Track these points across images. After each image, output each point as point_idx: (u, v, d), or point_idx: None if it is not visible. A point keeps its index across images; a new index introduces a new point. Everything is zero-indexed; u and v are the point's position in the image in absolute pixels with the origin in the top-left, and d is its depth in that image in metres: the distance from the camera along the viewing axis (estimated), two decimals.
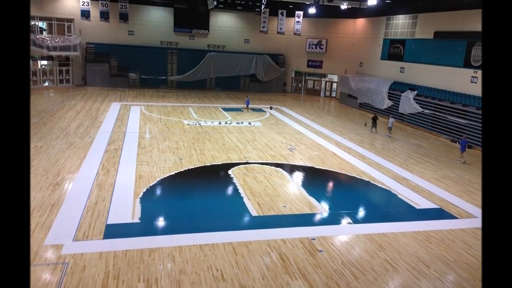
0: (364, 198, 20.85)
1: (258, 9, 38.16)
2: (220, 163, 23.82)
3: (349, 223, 16.99)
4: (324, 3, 42.76)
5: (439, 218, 18.20)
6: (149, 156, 23.86)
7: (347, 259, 13.72)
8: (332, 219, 17.41)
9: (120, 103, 40.71)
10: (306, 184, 21.42)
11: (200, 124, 33.82)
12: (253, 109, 42.52)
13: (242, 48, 57.95)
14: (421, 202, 19.66)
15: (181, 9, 53.83)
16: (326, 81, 59.48)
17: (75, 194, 17.79)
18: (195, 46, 55.98)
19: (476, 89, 34.05)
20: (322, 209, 18.26)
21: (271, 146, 28.20)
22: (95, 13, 50.57)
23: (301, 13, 55.10)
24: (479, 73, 33.96)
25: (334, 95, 58.33)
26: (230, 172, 22.24)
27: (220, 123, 34.78)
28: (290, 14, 55.44)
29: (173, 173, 21.44)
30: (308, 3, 46.42)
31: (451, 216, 18.26)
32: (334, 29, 56.82)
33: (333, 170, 24.00)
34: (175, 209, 17.42)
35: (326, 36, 57.55)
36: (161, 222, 16.04)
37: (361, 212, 18.50)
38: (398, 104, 41.39)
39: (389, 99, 43.14)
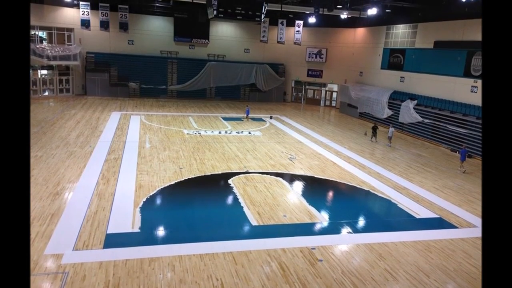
0: (364, 207, 20.91)
1: (258, 19, 38.22)
2: (220, 172, 23.89)
3: (349, 232, 17.04)
4: (324, 13, 42.91)
5: (439, 228, 18.25)
6: (149, 166, 23.93)
7: (347, 268, 13.76)
8: (332, 229, 17.47)
9: (120, 113, 40.83)
10: (306, 194, 21.46)
11: (200, 133, 33.92)
12: (253, 119, 42.64)
13: (242, 58, 58.18)
14: (421, 212, 19.71)
15: (181, 19, 54.09)
16: (326, 91, 59.58)
17: (75, 203, 17.84)
18: (195, 55, 56.21)
19: (476, 99, 34.15)
20: (322, 218, 18.31)
21: (271, 155, 28.28)
22: (95, 22, 50.79)
23: (301, 22, 55.25)
24: (479, 82, 34.06)
25: (334, 105, 58.42)
26: (230, 181, 22.29)
27: (220, 132, 34.88)
28: (290, 23, 55.57)
29: (173, 182, 21.49)
30: (308, 12, 46.62)
31: (451, 226, 18.31)
32: (334, 38, 57.01)
33: (333, 179, 24.07)
34: (175, 218, 17.48)
35: (326, 45, 57.74)
36: (161, 231, 16.09)
37: (361, 222, 18.56)
38: (398, 114, 41.50)
39: (389, 108, 43.25)
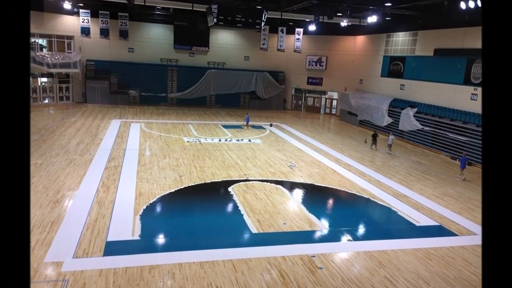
0: (364, 215, 20.94)
1: (258, 26, 38.39)
2: (220, 180, 23.95)
3: (349, 240, 17.09)
4: (324, 21, 43.09)
5: (439, 235, 18.31)
6: (149, 173, 23.99)
7: (347, 276, 13.80)
8: (332, 236, 17.52)
9: (120, 120, 40.95)
10: (306, 201, 21.50)
11: (200, 141, 34.00)
12: (253, 126, 42.74)
13: (242, 65, 58.36)
14: (421, 219, 19.75)
15: (181, 26, 54.31)
16: (326, 98, 59.73)
17: (75, 211, 17.89)
18: (195, 63, 56.39)
19: (476, 106, 34.26)
20: (322, 226, 18.36)
21: (271, 163, 28.34)
22: (95, 30, 51.01)
23: (301, 30, 55.50)
24: (479, 90, 34.15)
25: (334, 112, 58.54)
26: (230, 189, 22.35)
27: (220, 140, 34.96)
28: (290, 31, 55.81)
29: (173, 190, 21.55)
30: (308, 20, 46.79)
31: (451, 233, 18.36)
32: (334, 46, 57.19)
33: (333, 187, 24.12)
34: (175, 226, 17.53)
35: (326, 53, 57.92)
36: (161, 239, 16.14)
37: (361, 229, 18.60)
38: (398, 121, 41.61)
39: (389, 116, 43.35)
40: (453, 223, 19.53)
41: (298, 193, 22.90)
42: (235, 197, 21.03)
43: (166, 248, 15.42)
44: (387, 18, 40.12)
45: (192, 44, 55.78)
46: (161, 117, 45.10)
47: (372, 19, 39.31)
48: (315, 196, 22.82)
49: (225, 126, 42.16)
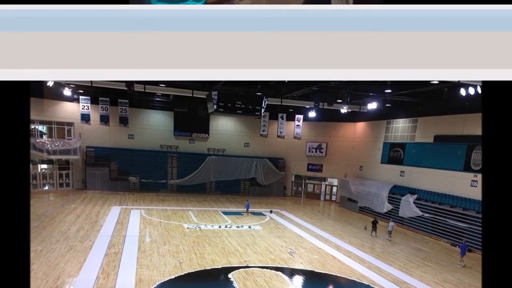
0: None
1: (258, 113, 39.65)
2: (220, 266, 24.47)
3: None
4: (324, 107, 44.30)
5: None
6: (149, 260, 24.56)
7: None
8: None
9: (120, 207, 41.70)
10: None
11: (200, 227, 34.64)
12: (253, 213, 43.41)
13: (242, 152, 59.71)
14: None
15: (181, 113, 55.93)
16: (326, 185, 60.70)
17: None
18: (195, 149, 57.67)
19: (476, 193, 35.06)
20: None
21: (271, 249, 28.92)
22: (95, 116, 52.45)
23: (301, 117, 57.04)
24: (479, 176, 34.95)
25: (334, 199, 59.29)
26: (230, 275, 22.87)
27: (220, 226, 35.59)
28: (290, 117, 57.36)
29: (173, 276, 22.05)
30: (308, 107, 48.17)
31: None
32: (334, 132, 58.80)
33: (333, 273, 24.64)
34: None
35: (326, 139, 59.44)
36: None
37: None
38: (398, 208, 42.40)
39: (389, 202, 44.18)
40: None
41: (298, 279, 23.41)
42: (235, 284, 21.55)
43: None
44: (387, 105, 41.11)
45: (192, 131, 57.28)
46: (161, 204, 45.84)
47: (372, 105, 40.46)
48: (315, 282, 23.33)
49: (225, 213, 42.83)
